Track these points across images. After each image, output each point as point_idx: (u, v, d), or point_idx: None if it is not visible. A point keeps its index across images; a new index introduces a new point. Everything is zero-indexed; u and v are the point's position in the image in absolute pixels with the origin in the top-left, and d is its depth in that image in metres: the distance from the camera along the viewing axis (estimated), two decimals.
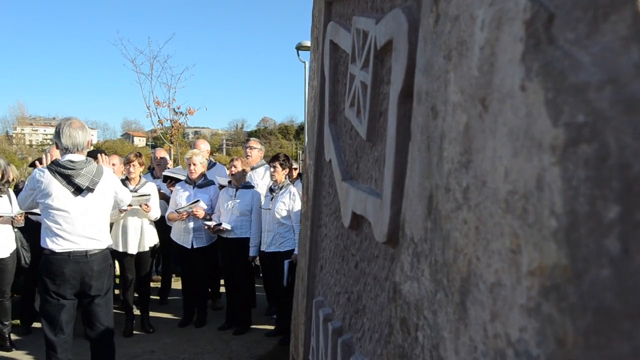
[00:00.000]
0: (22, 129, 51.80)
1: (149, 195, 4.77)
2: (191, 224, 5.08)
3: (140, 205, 4.73)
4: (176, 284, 6.21)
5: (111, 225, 4.82)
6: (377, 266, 1.25)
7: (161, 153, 6.34)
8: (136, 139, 56.93)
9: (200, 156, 5.35)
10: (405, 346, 0.91)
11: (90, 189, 3.19)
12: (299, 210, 4.72)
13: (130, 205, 4.51)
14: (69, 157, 3.18)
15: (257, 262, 5.45)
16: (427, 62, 0.82)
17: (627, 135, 0.42)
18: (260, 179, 5.87)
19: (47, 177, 3.15)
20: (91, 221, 3.22)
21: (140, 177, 5.11)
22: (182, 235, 5.15)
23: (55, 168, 3.16)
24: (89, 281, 3.20)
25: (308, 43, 12.85)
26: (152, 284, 5.70)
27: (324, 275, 1.96)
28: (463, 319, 0.67)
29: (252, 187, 5.21)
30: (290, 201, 4.79)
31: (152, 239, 5.08)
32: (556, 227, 0.48)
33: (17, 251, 4.65)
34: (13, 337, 4.74)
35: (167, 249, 5.61)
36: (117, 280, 5.50)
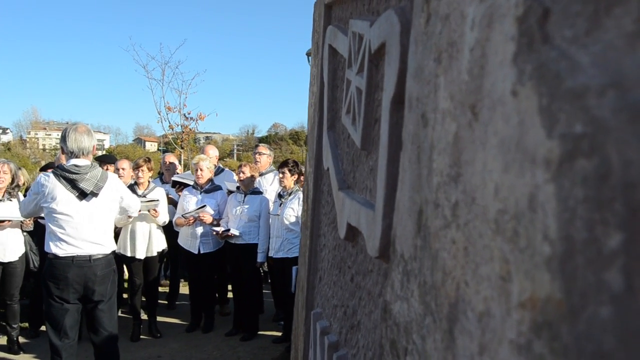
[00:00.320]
0: (36, 133, 52.59)
1: (158, 200, 4.78)
2: (198, 230, 5.08)
3: (149, 210, 4.73)
4: (184, 288, 6.20)
5: (120, 230, 4.85)
6: (371, 281, 1.18)
7: (170, 158, 6.36)
8: (148, 144, 57.46)
9: (207, 161, 5.36)
10: None
11: (94, 194, 3.19)
12: None
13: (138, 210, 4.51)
14: (74, 161, 3.20)
15: (265, 268, 5.41)
16: (417, 65, 0.76)
17: (632, 150, 0.35)
18: (269, 185, 5.86)
19: (52, 181, 3.16)
20: (95, 226, 3.23)
21: (149, 182, 5.13)
22: (189, 240, 5.16)
23: (60, 172, 3.17)
24: (92, 286, 3.20)
25: None
26: (160, 289, 5.70)
27: (322, 287, 1.90)
28: (451, 348, 0.60)
29: (261, 192, 5.20)
30: (299, 207, 4.77)
31: (160, 244, 5.10)
32: (550, 254, 0.41)
33: (25, 255, 4.67)
34: (21, 340, 4.77)
35: (175, 254, 5.61)
36: (126, 285, 5.51)
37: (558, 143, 0.41)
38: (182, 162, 11.27)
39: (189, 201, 5.17)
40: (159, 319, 5.31)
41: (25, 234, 4.70)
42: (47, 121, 56.50)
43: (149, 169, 5.05)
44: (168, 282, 6.41)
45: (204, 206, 5.04)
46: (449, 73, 0.63)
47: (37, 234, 4.79)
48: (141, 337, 5.02)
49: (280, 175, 4.90)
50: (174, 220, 5.19)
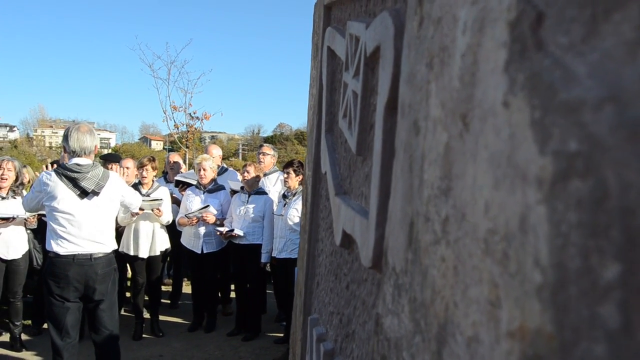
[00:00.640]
0: (43, 131, 52.95)
1: (161, 199, 4.79)
2: (201, 229, 5.09)
3: (152, 210, 4.73)
4: (187, 288, 6.21)
5: (123, 229, 4.86)
6: (366, 290, 1.15)
7: (175, 157, 6.37)
8: (154, 143, 57.69)
9: (210, 161, 5.36)
10: None
11: (95, 193, 3.21)
12: None
13: (142, 209, 4.53)
14: (75, 160, 3.22)
15: (268, 268, 5.41)
16: (410, 70, 0.72)
17: (631, 171, 0.31)
18: (272, 186, 5.85)
19: (54, 179, 3.18)
20: (96, 225, 3.25)
21: (153, 181, 5.13)
22: (192, 240, 5.17)
23: (62, 171, 3.19)
24: (92, 285, 3.22)
25: None
26: (163, 288, 5.71)
27: (319, 292, 1.86)
28: None
29: (265, 193, 5.19)
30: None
31: (163, 243, 5.12)
32: (541, 282, 0.38)
33: (29, 252, 4.68)
34: (24, 337, 4.79)
35: (178, 253, 5.62)
36: (129, 284, 5.54)
37: (551, 160, 0.37)
38: (187, 162, 11.28)
39: (192, 201, 5.17)
40: (161, 318, 5.34)
41: (29, 231, 4.72)
42: (53, 119, 56.85)
43: (153, 168, 5.06)
44: (171, 281, 6.43)
45: (207, 206, 5.03)
46: (440, 79, 0.59)
47: (41, 231, 4.80)
48: (143, 336, 5.05)
49: (285, 176, 4.90)
50: (177, 220, 5.19)
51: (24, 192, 4.66)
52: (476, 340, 0.47)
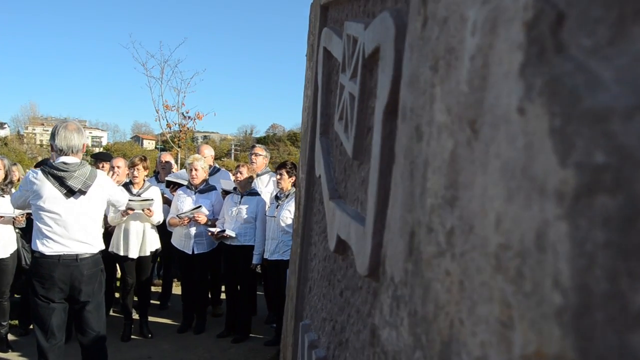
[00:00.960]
0: (34, 129, 52.44)
1: (152, 199, 4.74)
2: (192, 230, 5.05)
3: (143, 210, 4.68)
4: (177, 289, 6.15)
5: (113, 228, 4.80)
6: (361, 299, 1.11)
7: (166, 157, 6.32)
8: (146, 142, 57.36)
9: (202, 161, 5.32)
10: None
11: (82, 192, 3.16)
12: None
13: (132, 209, 4.49)
14: (62, 159, 3.17)
15: (259, 270, 5.38)
16: (412, 73, 0.69)
17: None
18: (265, 186, 5.82)
19: (40, 178, 3.13)
20: (83, 224, 3.20)
21: (144, 180, 5.08)
22: (183, 240, 5.13)
23: (48, 170, 3.14)
24: (78, 285, 3.17)
25: None
26: (152, 289, 5.65)
27: (312, 297, 1.83)
28: None
29: (258, 194, 5.15)
30: None
31: (154, 243, 5.07)
32: (561, 305, 0.35)
33: (17, 252, 4.61)
34: (10, 337, 4.71)
35: (169, 254, 5.56)
36: (118, 284, 5.48)
37: (573, 173, 0.34)
38: (179, 161, 11.21)
39: (184, 201, 5.13)
40: (150, 319, 5.29)
41: (17, 230, 4.64)
42: (45, 117, 56.28)
43: (145, 168, 5.01)
44: (160, 281, 6.37)
45: (200, 207, 5.00)
46: (446, 83, 0.56)
47: (30, 231, 4.73)
48: (132, 337, 4.99)
49: (278, 177, 4.87)
50: (167, 220, 5.15)
51: (13, 190, 4.58)
52: None
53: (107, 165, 5.56)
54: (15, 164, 5.11)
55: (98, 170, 3.43)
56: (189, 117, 12.11)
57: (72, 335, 4.12)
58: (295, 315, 2.01)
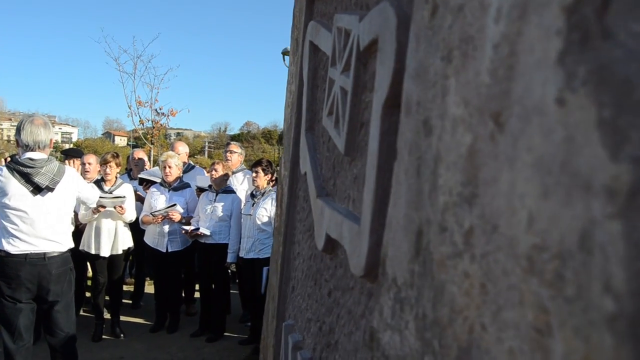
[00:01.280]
0: (1, 124, 50.57)
1: (124, 197, 4.62)
2: (166, 228, 4.95)
3: (115, 207, 4.56)
4: (150, 287, 6.03)
5: (84, 226, 4.67)
6: (352, 299, 1.08)
7: (139, 154, 6.19)
8: (117, 138, 56.16)
9: (175, 158, 5.23)
10: None
11: (50, 188, 3.05)
12: None
13: (103, 206, 4.37)
14: (29, 154, 3.06)
15: (233, 268, 5.31)
16: (419, 65, 0.66)
17: None
18: (240, 184, 5.76)
19: (5, 175, 3.01)
20: (51, 222, 3.09)
21: (116, 177, 4.95)
22: (157, 238, 5.03)
23: (14, 166, 3.02)
24: (46, 285, 3.07)
25: None
26: (124, 287, 5.52)
27: (295, 297, 1.79)
28: None
29: (233, 191, 5.10)
30: (272, 207, 4.72)
31: (126, 241, 4.96)
32: (614, 311, 0.32)
33: None
34: None
35: (141, 252, 5.44)
36: (89, 283, 5.34)
37: (628, 169, 0.32)
38: (152, 158, 10.99)
39: (157, 199, 5.02)
40: (122, 318, 5.19)
41: None
42: (12, 112, 54.26)
43: (117, 165, 4.88)
44: (133, 280, 6.23)
45: (174, 205, 4.90)
46: (462, 74, 0.53)
47: None
48: (103, 337, 4.91)
49: (254, 175, 4.83)
50: (140, 218, 5.03)
51: None
52: None
53: (77, 162, 5.39)
54: None
55: (66, 166, 3.32)
56: (163, 114, 11.93)
57: (40, 337, 3.99)
58: (277, 316, 1.96)
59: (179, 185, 5.15)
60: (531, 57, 0.42)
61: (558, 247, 0.37)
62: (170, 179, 5.08)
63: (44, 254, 3.02)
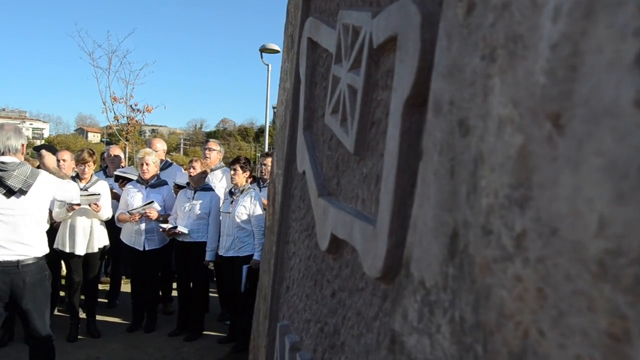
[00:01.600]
0: None
1: (99, 194, 4.51)
2: (143, 225, 4.85)
3: (90, 205, 4.44)
4: (126, 286, 5.90)
5: (58, 224, 4.55)
6: (362, 301, 1.07)
7: (115, 151, 6.04)
8: (90, 135, 54.87)
9: (153, 155, 5.13)
10: None
11: (23, 191, 2.98)
12: (260, 215, 4.63)
13: (78, 204, 4.26)
14: (0, 158, 2.96)
15: (211, 267, 5.25)
16: (452, 63, 0.65)
17: None
18: (218, 182, 5.70)
19: None
20: (24, 226, 3.01)
21: (91, 175, 4.83)
22: (134, 236, 4.94)
23: None
24: (20, 293, 3.02)
25: (272, 45, 12.64)
26: (100, 286, 5.39)
27: (290, 297, 1.76)
28: None
29: (212, 189, 5.02)
30: (252, 205, 4.68)
31: (101, 240, 4.85)
32: None
33: None
34: None
35: (117, 250, 5.33)
36: (63, 282, 5.20)
37: None
38: (127, 155, 10.76)
39: (134, 196, 4.92)
40: (98, 318, 5.09)
41: None
42: None
43: (94, 163, 4.77)
44: (108, 279, 6.10)
45: (152, 202, 4.80)
46: (509, 74, 0.52)
47: None
48: (79, 337, 4.79)
49: (232, 172, 4.77)
50: (116, 216, 4.92)
51: None
52: None
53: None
54: None
55: (40, 170, 3.25)
56: (138, 110, 11.69)
57: (14, 337, 3.87)
58: (270, 316, 1.94)
59: (156, 183, 5.06)
60: (600, 58, 0.41)
61: (636, 253, 0.36)
62: (148, 176, 4.98)
63: (18, 262, 2.95)
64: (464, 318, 0.59)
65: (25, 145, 3.16)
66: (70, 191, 3.51)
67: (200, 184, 4.89)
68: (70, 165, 4.85)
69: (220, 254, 4.73)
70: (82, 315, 4.91)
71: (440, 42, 0.68)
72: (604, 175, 0.40)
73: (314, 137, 1.53)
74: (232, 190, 4.76)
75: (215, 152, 5.82)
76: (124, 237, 4.96)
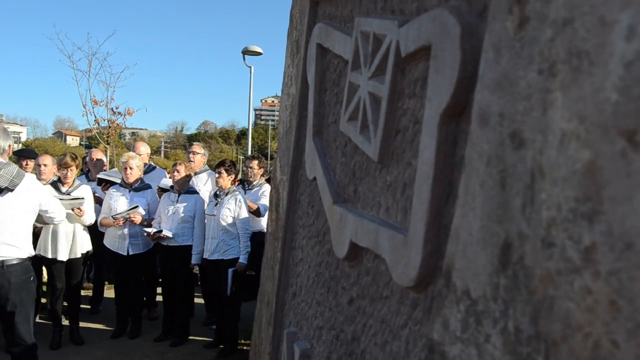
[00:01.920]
0: None
1: (83, 198, 4.43)
2: (126, 230, 4.78)
3: (73, 209, 4.35)
4: (109, 292, 5.79)
5: (40, 229, 4.44)
6: (387, 309, 1.07)
7: (97, 154, 5.94)
8: (69, 138, 53.88)
9: (137, 159, 5.07)
10: None
11: (9, 189, 2.93)
12: (245, 218, 4.63)
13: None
14: None
15: (196, 270, 5.20)
16: (502, 76, 0.65)
17: None
18: (203, 185, 5.66)
19: None
20: (10, 225, 2.98)
21: (74, 179, 4.73)
22: (117, 241, 4.86)
23: None
24: (4, 294, 2.98)
25: (255, 47, 12.59)
26: (83, 292, 5.28)
27: (297, 304, 1.75)
28: None
29: (196, 192, 4.99)
30: (237, 208, 4.67)
31: (84, 245, 4.75)
32: None
33: None
34: None
35: (100, 255, 5.23)
36: (45, 288, 5.07)
37: None
38: (107, 158, 10.60)
39: (117, 200, 4.85)
40: (81, 324, 4.98)
41: None
42: None
43: (77, 167, 4.67)
44: (91, 285, 5.98)
45: (137, 206, 4.74)
46: (573, 89, 0.53)
47: None
48: (62, 344, 4.65)
49: (217, 175, 4.75)
50: (99, 221, 4.84)
51: None
52: None
53: (31, 163, 5.10)
54: None
55: (28, 172, 3.21)
56: (119, 113, 11.54)
57: None
58: (274, 322, 1.92)
59: (140, 186, 4.99)
60: None
61: None
62: (131, 179, 4.91)
63: (2, 262, 2.91)
64: (520, 328, 0.60)
65: (12, 147, 3.11)
66: (58, 208, 3.49)
67: (184, 187, 4.86)
68: (52, 170, 4.76)
69: (205, 257, 4.70)
70: (65, 322, 4.81)
71: (486, 55, 0.69)
72: None
73: (324, 144, 1.53)
74: (217, 192, 4.74)
75: (200, 155, 5.78)
76: (107, 242, 4.88)
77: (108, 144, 11.27)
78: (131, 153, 5.25)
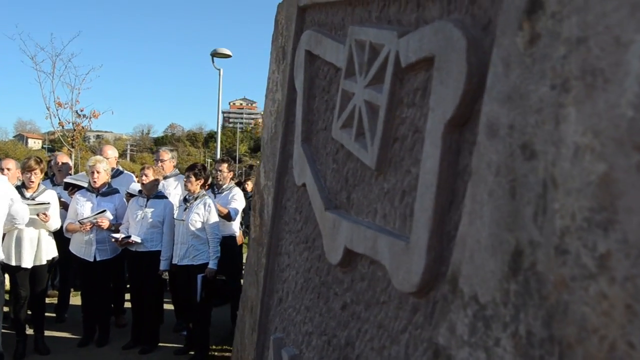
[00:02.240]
0: None
1: (48, 203, 4.28)
2: (93, 235, 4.65)
3: (38, 215, 4.19)
4: (75, 299, 5.60)
5: (4, 236, 4.24)
6: (385, 314, 1.08)
7: (63, 158, 5.74)
8: (31, 141, 51.88)
9: (104, 163, 4.94)
10: None
11: None
12: (214, 222, 4.59)
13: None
14: None
15: (165, 276, 5.10)
16: (511, 89, 0.68)
17: None
18: (173, 189, 5.56)
19: None
20: None
21: (38, 184, 4.56)
22: (84, 247, 4.72)
23: None
24: None
25: (224, 50, 12.47)
26: (47, 300, 5.09)
27: (284, 310, 1.75)
28: None
29: (165, 197, 4.90)
30: (206, 212, 4.63)
31: (50, 251, 4.59)
32: None
33: None
34: None
35: (66, 262, 5.05)
36: (7, 297, 4.86)
37: None
38: (72, 162, 10.27)
39: (84, 205, 4.72)
40: (46, 333, 4.81)
41: None
42: None
43: (42, 171, 4.51)
44: (56, 292, 5.76)
45: (104, 211, 4.62)
46: (587, 104, 0.56)
47: None
48: (26, 354, 4.47)
49: (185, 180, 4.69)
50: (65, 226, 4.68)
51: None
52: None
53: None
54: None
55: None
56: (84, 116, 11.21)
57: None
58: (259, 329, 1.91)
59: (108, 191, 4.87)
60: None
61: None
62: (99, 184, 4.78)
63: None
64: (532, 332, 0.62)
65: None
66: (24, 210, 3.35)
67: (153, 192, 4.77)
68: (15, 174, 4.58)
69: (174, 262, 4.63)
70: (30, 331, 4.64)
71: (495, 69, 0.72)
72: None
73: (313, 150, 1.54)
74: (187, 197, 4.68)
75: (167, 161, 5.68)
76: (73, 248, 4.73)
77: (73, 147, 10.92)
78: (98, 157, 5.11)
